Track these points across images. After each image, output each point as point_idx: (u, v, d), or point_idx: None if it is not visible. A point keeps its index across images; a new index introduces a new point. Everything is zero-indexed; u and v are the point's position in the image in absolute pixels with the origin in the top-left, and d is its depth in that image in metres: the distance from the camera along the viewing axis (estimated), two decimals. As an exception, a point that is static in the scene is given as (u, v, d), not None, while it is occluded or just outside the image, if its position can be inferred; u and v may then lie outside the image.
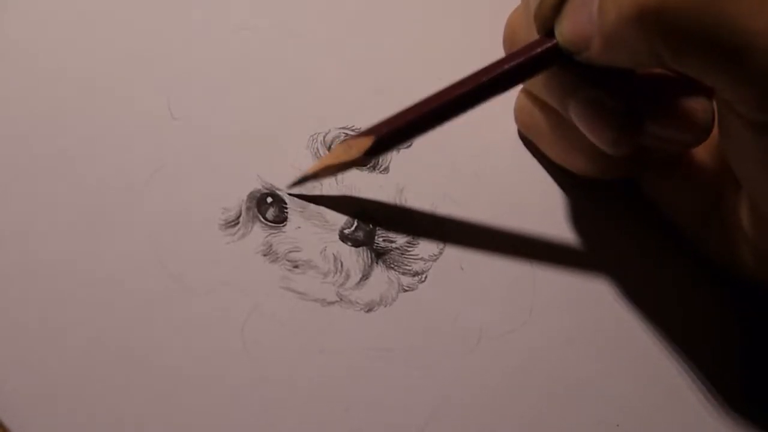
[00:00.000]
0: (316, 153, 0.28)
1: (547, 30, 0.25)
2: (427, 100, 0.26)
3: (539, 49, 0.25)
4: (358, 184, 0.28)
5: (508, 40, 0.28)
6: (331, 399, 0.24)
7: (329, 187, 0.28)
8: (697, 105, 0.25)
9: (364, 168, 0.29)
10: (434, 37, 0.32)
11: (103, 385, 0.23)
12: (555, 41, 0.24)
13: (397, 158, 0.29)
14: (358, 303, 0.26)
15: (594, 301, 0.28)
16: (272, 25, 0.31)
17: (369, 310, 0.26)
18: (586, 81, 0.25)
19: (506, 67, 0.25)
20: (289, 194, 0.28)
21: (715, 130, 0.25)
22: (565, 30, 0.24)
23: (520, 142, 0.31)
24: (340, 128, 0.29)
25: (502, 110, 0.31)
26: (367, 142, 0.26)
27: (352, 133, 0.29)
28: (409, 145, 0.30)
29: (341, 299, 0.26)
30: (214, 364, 0.24)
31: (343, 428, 0.24)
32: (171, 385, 0.24)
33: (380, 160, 0.29)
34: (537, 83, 0.27)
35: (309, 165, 0.28)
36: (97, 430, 0.23)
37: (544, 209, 0.29)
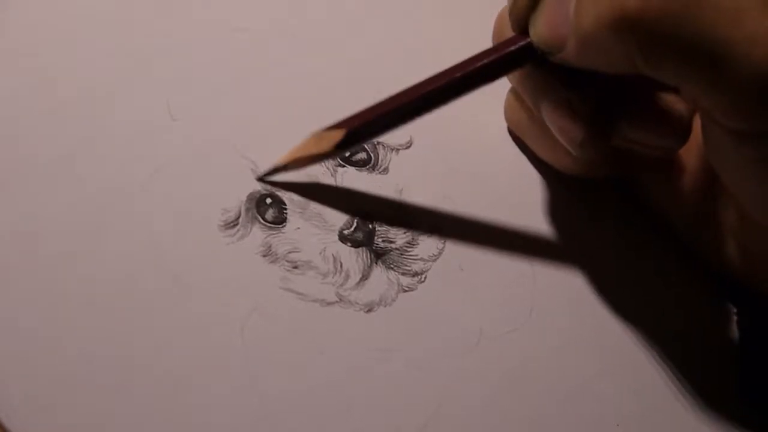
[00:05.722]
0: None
1: (521, 28, 0.25)
2: (400, 95, 0.26)
3: (513, 47, 0.25)
4: (358, 184, 0.28)
5: (496, 36, 0.28)
6: (331, 399, 0.24)
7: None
8: (672, 109, 0.25)
9: (363, 168, 0.29)
10: (434, 37, 0.32)
11: (103, 385, 0.23)
12: (529, 40, 0.24)
13: (396, 159, 0.29)
14: (357, 303, 0.26)
15: (594, 302, 0.28)
16: (272, 25, 0.31)
17: (369, 311, 0.26)
18: (557, 81, 0.25)
19: (478, 64, 0.25)
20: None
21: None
22: (540, 29, 0.24)
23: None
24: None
25: (502, 110, 0.31)
26: (338, 135, 0.26)
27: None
28: (409, 146, 0.30)
29: (341, 300, 0.26)
30: (214, 364, 0.24)
31: (343, 428, 0.24)
32: (171, 386, 0.24)
33: (380, 161, 0.29)
34: (515, 81, 0.27)
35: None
36: (96, 430, 0.23)
37: (544, 209, 0.29)
